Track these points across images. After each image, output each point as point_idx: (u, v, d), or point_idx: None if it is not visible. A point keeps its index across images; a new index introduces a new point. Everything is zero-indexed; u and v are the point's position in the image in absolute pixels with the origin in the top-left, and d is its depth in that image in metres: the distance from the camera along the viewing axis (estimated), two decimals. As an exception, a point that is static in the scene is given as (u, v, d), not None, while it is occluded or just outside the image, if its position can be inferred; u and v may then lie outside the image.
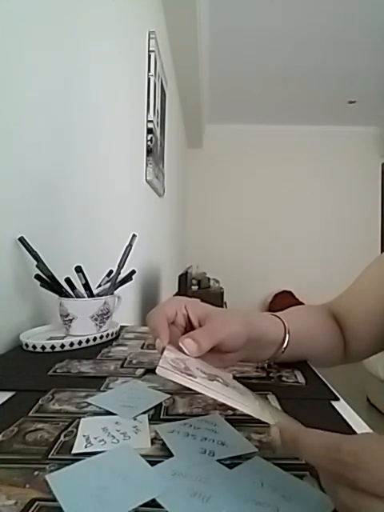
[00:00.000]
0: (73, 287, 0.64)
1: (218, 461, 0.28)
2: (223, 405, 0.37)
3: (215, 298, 3.77)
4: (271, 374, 0.46)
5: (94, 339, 0.60)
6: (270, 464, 0.27)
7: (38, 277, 0.63)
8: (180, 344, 0.36)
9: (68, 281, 0.63)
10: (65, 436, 0.31)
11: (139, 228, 1.70)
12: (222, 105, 4.14)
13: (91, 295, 0.66)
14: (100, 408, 0.36)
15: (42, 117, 0.74)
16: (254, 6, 2.50)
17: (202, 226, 4.83)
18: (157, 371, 0.29)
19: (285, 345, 0.46)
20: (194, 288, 3.93)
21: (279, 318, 0.47)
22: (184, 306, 0.41)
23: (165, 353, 0.34)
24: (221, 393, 0.30)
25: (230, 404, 0.28)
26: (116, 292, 0.70)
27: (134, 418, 0.34)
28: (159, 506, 0.23)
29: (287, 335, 0.46)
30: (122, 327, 0.71)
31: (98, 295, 0.67)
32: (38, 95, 0.72)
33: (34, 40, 0.71)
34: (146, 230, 1.92)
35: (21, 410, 0.36)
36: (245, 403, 0.30)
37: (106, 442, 0.30)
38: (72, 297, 0.64)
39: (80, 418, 0.34)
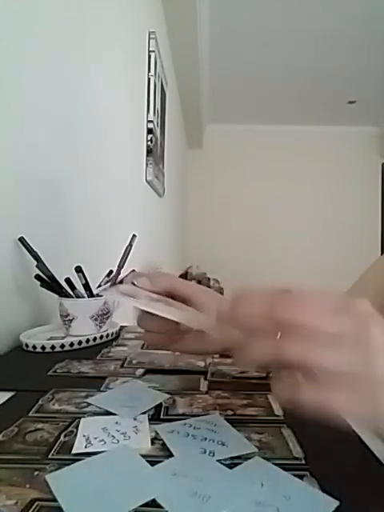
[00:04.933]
0: (73, 287, 0.64)
1: (218, 461, 0.28)
2: (223, 405, 0.37)
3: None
4: (271, 374, 0.46)
5: (94, 339, 0.60)
6: (270, 464, 0.27)
7: (38, 277, 0.63)
8: (132, 279, 0.38)
9: (68, 281, 0.63)
10: (65, 436, 0.31)
11: (139, 228, 1.70)
12: (222, 105, 4.14)
13: (91, 295, 0.66)
14: (100, 408, 0.36)
15: (42, 117, 0.74)
16: (254, 6, 2.50)
17: (202, 226, 4.83)
18: (102, 292, 0.31)
19: (278, 337, 0.45)
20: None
21: None
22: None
23: (118, 285, 0.36)
24: (151, 305, 0.32)
25: (153, 311, 0.31)
26: (116, 292, 0.70)
27: (134, 418, 0.34)
28: (159, 506, 0.23)
29: None
30: (121, 327, 0.71)
31: (98, 295, 0.67)
32: (38, 95, 0.72)
33: (34, 40, 0.71)
34: (146, 230, 1.91)
35: (21, 410, 0.36)
36: (172, 312, 0.32)
37: (105, 442, 0.30)
38: (72, 297, 0.64)
39: (80, 417, 0.34)
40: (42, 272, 0.63)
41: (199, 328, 0.31)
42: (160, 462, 0.27)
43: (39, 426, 0.33)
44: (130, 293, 0.34)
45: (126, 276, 0.40)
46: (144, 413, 0.35)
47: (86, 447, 0.29)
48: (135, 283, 0.37)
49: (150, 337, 0.41)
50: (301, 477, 0.26)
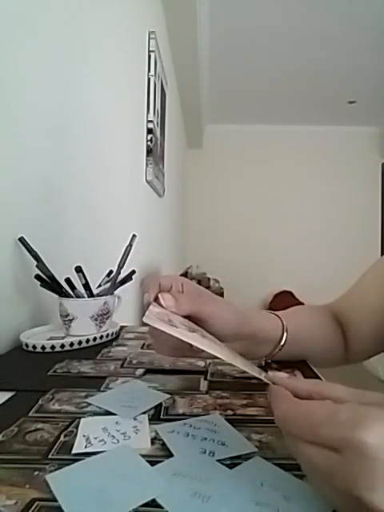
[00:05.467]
0: (73, 287, 0.64)
1: (218, 461, 0.28)
2: (223, 405, 0.37)
3: (215, 298, 3.76)
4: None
5: (94, 339, 0.60)
6: (270, 464, 0.27)
7: (37, 277, 0.63)
8: (158, 295, 0.38)
9: (68, 281, 0.63)
10: (65, 436, 0.31)
11: (139, 228, 1.70)
12: (222, 105, 4.14)
13: (91, 295, 0.66)
14: (100, 408, 0.36)
15: (42, 117, 0.74)
16: (254, 5, 2.50)
17: (202, 226, 4.83)
18: (143, 319, 0.32)
19: (282, 343, 0.46)
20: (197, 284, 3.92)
21: (278, 317, 0.48)
22: (181, 283, 0.42)
23: (150, 307, 0.37)
24: (198, 341, 0.32)
25: (205, 349, 0.31)
26: (116, 292, 0.70)
27: (134, 418, 0.34)
28: (159, 506, 0.23)
29: (285, 333, 0.46)
30: (121, 327, 0.71)
31: (98, 295, 0.67)
32: (38, 95, 0.72)
33: (34, 40, 0.71)
34: (145, 230, 1.91)
35: (21, 410, 0.36)
36: (219, 351, 0.33)
37: (105, 442, 0.30)
38: (72, 297, 0.64)
39: (80, 417, 0.34)
40: (42, 272, 0.63)
41: (244, 368, 0.32)
42: (160, 462, 0.27)
43: (39, 425, 0.33)
44: (163, 317, 0.34)
45: (145, 279, 0.41)
46: (144, 413, 0.35)
47: (85, 447, 0.29)
48: (161, 300, 0.38)
49: (162, 348, 0.41)
50: (301, 477, 0.26)
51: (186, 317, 0.39)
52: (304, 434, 0.22)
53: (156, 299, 0.39)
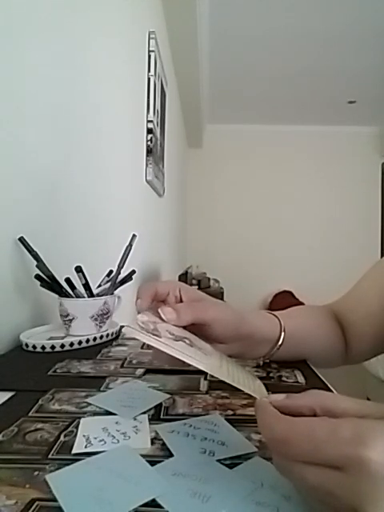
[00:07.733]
0: (73, 287, 0.64)
1: (218, 461, 0.28)
2: (223, 405, 0.37)
3: (215, 297, 3.76)
4: (271, 374, 0.46)
5: (94, 339, 0.60)
6: (270, 464, 0.27)
7: (38, 277, 0.63)
8: (159, 310, 0.37)
9: (68, 281, 0.63)
10: (65, 436, 0.31)
11: (139, 228, 1.70)
12: (222, 105, 4.14)
13: (91, 295, 0.66)
14: (100, 408, 0.36)
15: (42, 117, 0.74)
16: (254, 6, 2.50)
17: (201, 226, 4.82)
18: (123, 330, 0.31)
19: (279, 342, 0.46)
20: (194, 288, 3.93)
21: (276, 316, 0.48)
22: (178, 288, 0.41)
23: (139, 315, 0.35)
24: (178, 350, 0.31)
25: (183, 359, 0.30)
26: (116, 292, 0.70)
27: (134, 418, 0.34)
28: (159, 506, 0.23)
29: (282, 333, 0.46)
30: (121, 327, 0.71)
31: (98, 295, 0.67)
32: (37, 95, 0.72)
33: (34, 40, 0.71)
34: (146, 230, 1.91)
35: (21, 410, 0.36)
36: (201, 361, 0.31)
37: (105, 442, 0.30)
38: (72, 297, 0.64)
39: (80, 418, 0.34)
40: (42, 272, 0.63)
41: (222, 379, 0.30)
42: (160, 462, 0.27)
43: (39, 425, 0.33)
44: (148, 326, 0.33)
45: (143, 286, 0.40)
46: (144, 413, 0.35)
47: (86, 447, 0.29)
48: (162, 315, 0.36)
49: (160, 356, 0.39)
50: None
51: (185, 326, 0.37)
52: (304, 455, 0.21)
53: (149, 308, 0.37)
